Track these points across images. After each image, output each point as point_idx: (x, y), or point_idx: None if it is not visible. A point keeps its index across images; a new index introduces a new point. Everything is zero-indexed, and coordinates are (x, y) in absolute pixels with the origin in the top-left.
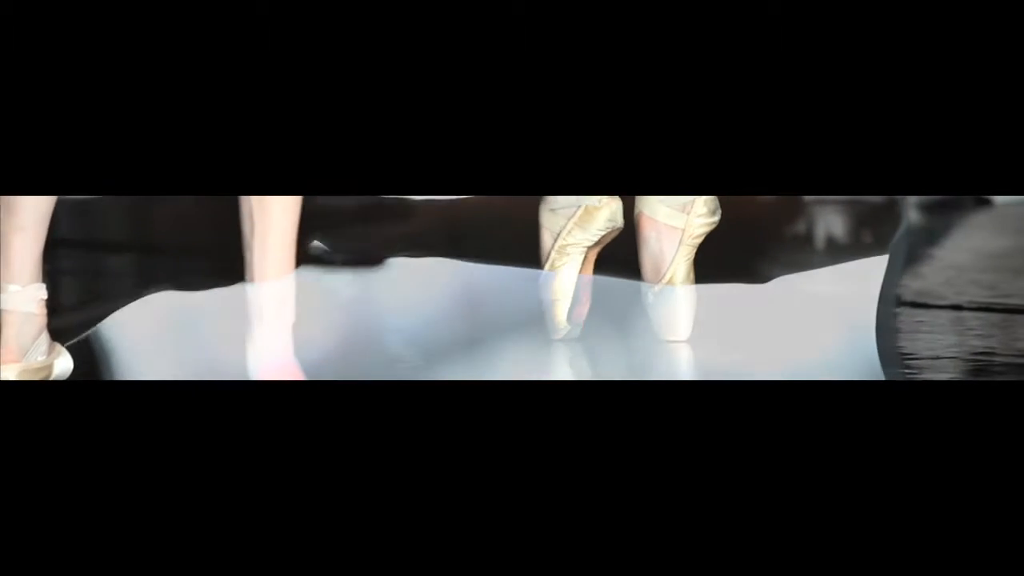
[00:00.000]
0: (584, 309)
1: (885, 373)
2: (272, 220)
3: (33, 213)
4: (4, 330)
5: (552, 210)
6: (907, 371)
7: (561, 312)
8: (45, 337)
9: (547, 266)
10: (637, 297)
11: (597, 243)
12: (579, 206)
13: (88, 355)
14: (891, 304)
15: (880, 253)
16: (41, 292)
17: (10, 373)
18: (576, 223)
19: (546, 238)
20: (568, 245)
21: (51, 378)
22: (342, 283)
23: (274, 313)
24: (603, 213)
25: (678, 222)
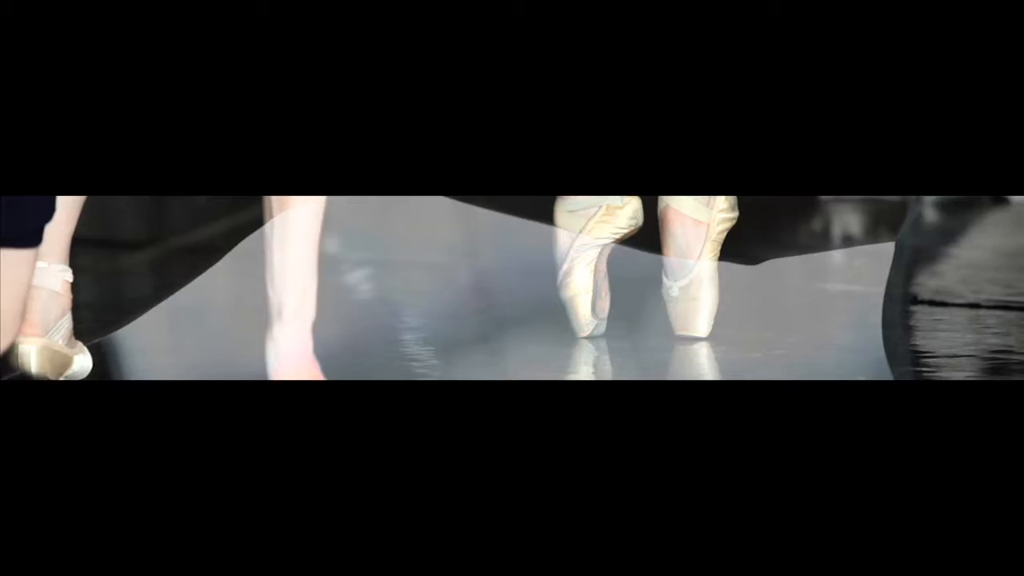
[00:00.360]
0: (606, 303)
1: (892, 371)
2: (294, 219)
3: (67, 195)
4: (29, 304)
5: (570, 211)
6: (915, 368)
7: (584, 307)
8: (68, 321)
9: (565, 266)
10: (646, 293)
11: (614, 241)
12: (599, 206)
13: (105, 354)
14: (896, 302)
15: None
16: (66, 273)
17: (32, 348)
18: (597, 223)
19: (563, 239)
20: (586, 245)
21: (69, 373)
22: (359, 281)
23: (294, 311)
24: (625, 212)
25: (703, 216)
